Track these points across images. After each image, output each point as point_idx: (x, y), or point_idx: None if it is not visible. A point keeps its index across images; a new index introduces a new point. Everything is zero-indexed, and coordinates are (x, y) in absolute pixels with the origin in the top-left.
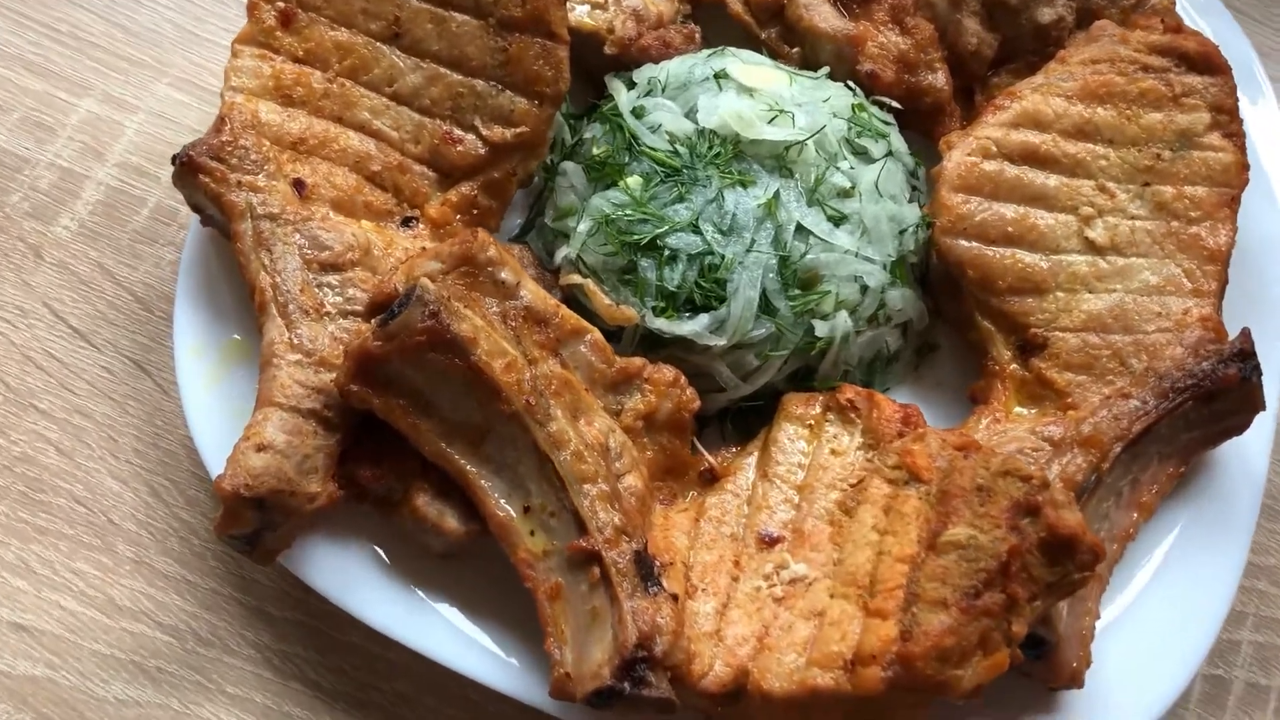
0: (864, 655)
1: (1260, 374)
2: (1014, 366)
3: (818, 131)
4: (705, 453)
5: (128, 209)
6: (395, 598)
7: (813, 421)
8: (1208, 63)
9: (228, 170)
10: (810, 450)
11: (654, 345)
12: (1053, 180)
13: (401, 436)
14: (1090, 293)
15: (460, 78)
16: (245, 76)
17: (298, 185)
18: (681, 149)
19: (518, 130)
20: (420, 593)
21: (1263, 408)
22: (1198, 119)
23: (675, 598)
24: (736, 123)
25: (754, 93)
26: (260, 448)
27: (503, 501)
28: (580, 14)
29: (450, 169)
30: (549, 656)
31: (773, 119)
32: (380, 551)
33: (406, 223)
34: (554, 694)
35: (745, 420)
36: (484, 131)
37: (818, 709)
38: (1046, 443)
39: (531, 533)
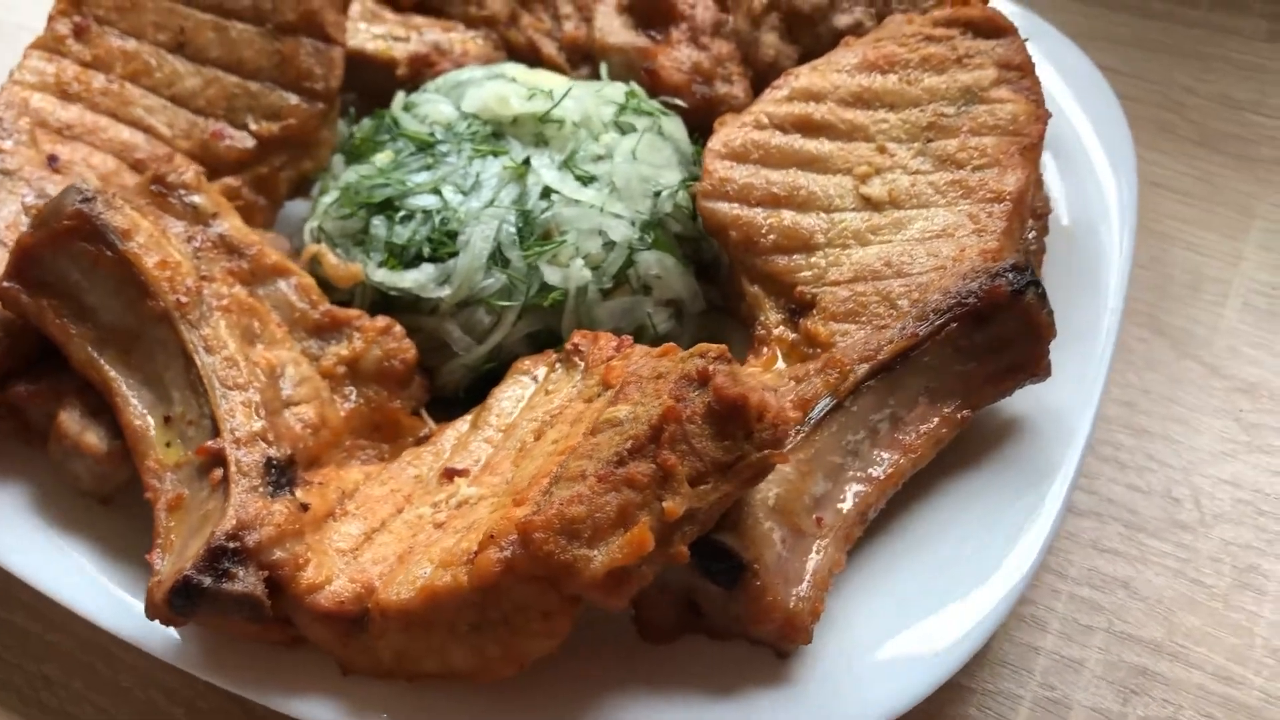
0: (484, 540)
1: (1040, 291)
2: (781, 329)
3: (566, 93)
4: (429, 419)
5: None
6: (31, 538)
7: (538, 373)
8: (993, 26)
9: None
10: (526, 396)
11: (386, 309)
12: (827, 146)
13: (60, 350)
14: (862, 246)
15: (237, 80)
16: (28, 73)
17: (51, 159)
18: (439, 129)
19: (285, 123)
20: (60, 534)
21: (1049, 333)
22: (982, 76)
23: (305, 507)
24: (495, 103)
25: (518, 80)
26: None
27: (143, 410)
28: (378, 43)
29: (218, 163)
30: (151, 569)
31: (531, 97)
32: (31, 492)
33: None
34: (148, 612)
35: (484, 393)
36: (253, 127)
37: (441, 624)
38: (792, 379)
39: (168, 444)
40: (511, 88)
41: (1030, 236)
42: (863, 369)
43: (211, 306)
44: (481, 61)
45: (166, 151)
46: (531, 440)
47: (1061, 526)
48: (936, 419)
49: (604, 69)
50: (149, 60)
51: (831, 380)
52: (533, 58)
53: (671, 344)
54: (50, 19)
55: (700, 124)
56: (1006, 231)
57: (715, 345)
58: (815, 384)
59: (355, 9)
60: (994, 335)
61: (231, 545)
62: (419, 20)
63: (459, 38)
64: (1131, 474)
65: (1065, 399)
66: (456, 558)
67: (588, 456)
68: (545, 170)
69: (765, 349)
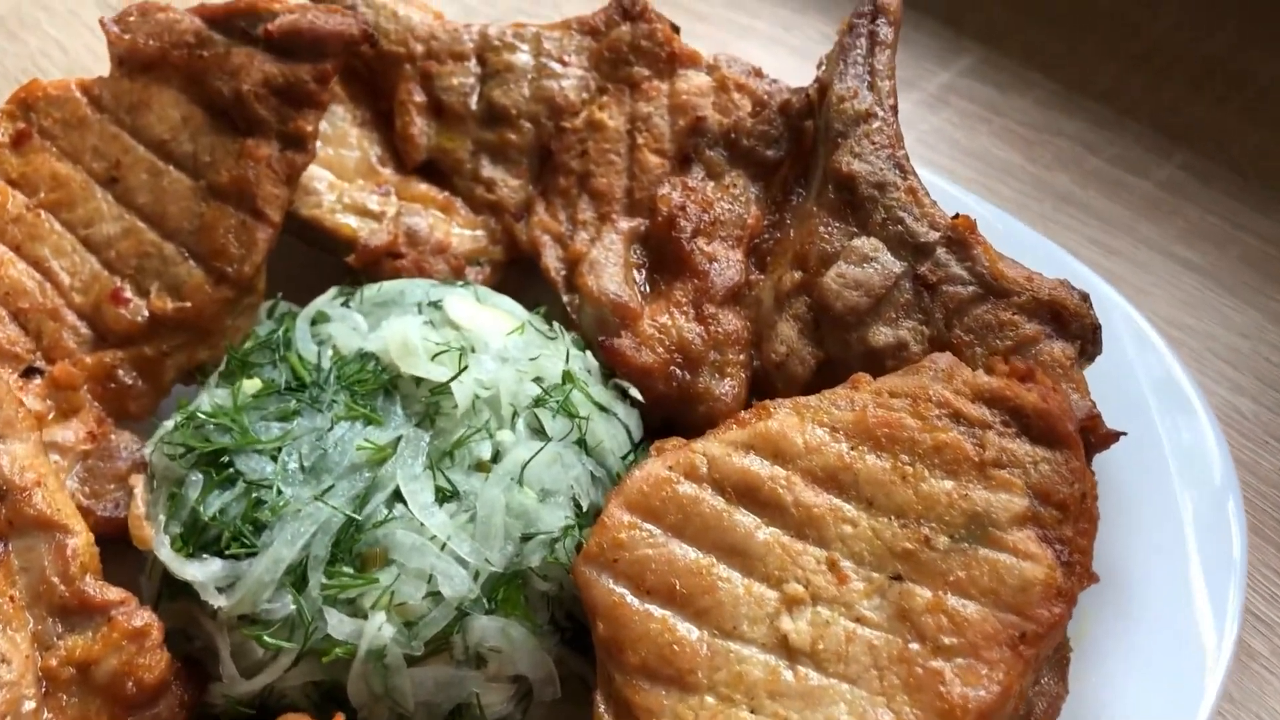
0: None
1: None
2: None
3: (458, 374)
4: None
5: None
6: None
7: None
8: (1048, 428)
9: None
10: None
11: (175, 593)
12: (766, 533)
13: None
14: (752, 712)
15: (154, 236)
16: None
17: None
18: (329, 362)
19: (181, 304)
20: None
21: None
22: (1006, 503)
23: None
24: (398, 350)
25: (442, 324)
26: None
27: None
28: (344, 218)
29: (106, 331)
30: None
31: (438, 355)
32: None
33: (29, 373)
34: None
35: None
36: (153, 298)
37: None
38: None
39: None
40: (422, 333)
41: None
42: None
43: None
44: (463, 258)
45: (53, 306)
46: None
47: None
48: None
49: (558, 327)
50: (77, 190)
51: None
52: (532, 263)
53: None
54: None
55: (673, 417)
56: None
57: None
58: None
59: (354, 156)
60: None
61: None
62: (414, 190)
63: (444, 224)
64: None
65: None
66: None
67: None
68: (406, 466)
69: None
